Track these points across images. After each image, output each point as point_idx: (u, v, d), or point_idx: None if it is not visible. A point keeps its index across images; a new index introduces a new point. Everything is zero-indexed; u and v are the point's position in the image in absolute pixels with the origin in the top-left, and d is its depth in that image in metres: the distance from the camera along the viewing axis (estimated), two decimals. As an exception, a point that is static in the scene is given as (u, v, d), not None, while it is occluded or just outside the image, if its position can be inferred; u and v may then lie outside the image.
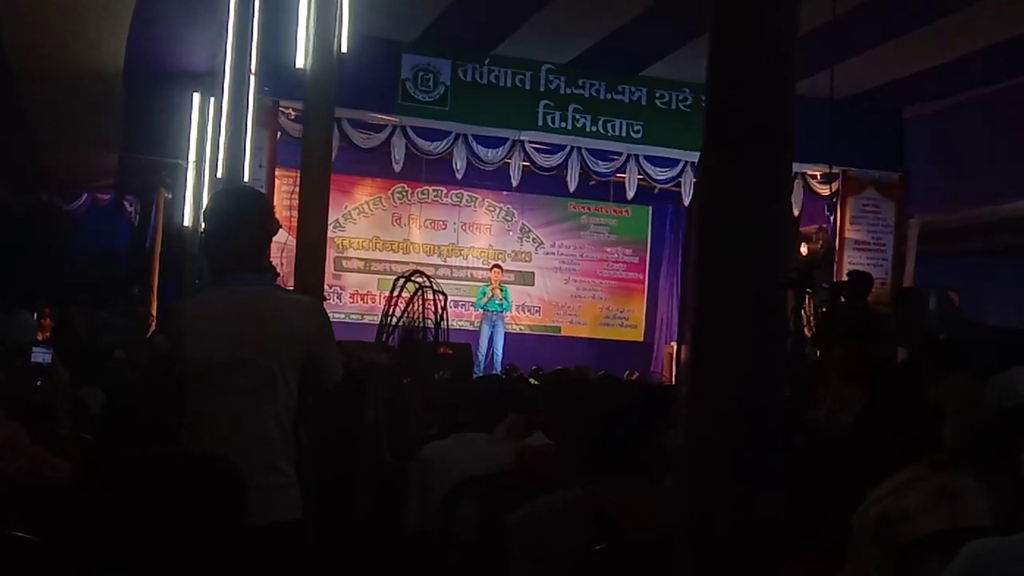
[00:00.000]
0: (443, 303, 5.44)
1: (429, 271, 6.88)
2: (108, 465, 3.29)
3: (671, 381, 12.01)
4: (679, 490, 2.10)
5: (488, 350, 13.24)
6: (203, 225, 3.26)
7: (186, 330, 3.09)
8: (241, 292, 3.10)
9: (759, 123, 2.07)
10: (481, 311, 13.52)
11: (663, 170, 12.45)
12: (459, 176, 12.23)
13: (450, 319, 5.86)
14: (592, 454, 3.00)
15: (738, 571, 1.98)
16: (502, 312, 13.47)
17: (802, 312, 9.18)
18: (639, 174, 12.42)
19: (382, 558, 4.31)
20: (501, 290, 13.46)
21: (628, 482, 2.89)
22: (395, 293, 5.40)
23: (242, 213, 3.16)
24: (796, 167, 11.23)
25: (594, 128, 11.86)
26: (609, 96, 11.86)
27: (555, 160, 12.20)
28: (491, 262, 14.21)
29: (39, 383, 5.46)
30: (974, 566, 2.13)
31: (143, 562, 2.71)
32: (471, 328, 13.49)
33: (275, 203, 10.95)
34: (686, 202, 13.03)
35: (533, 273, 15.04)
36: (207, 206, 3.33)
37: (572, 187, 12.55)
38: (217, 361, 3.01)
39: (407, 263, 12.68)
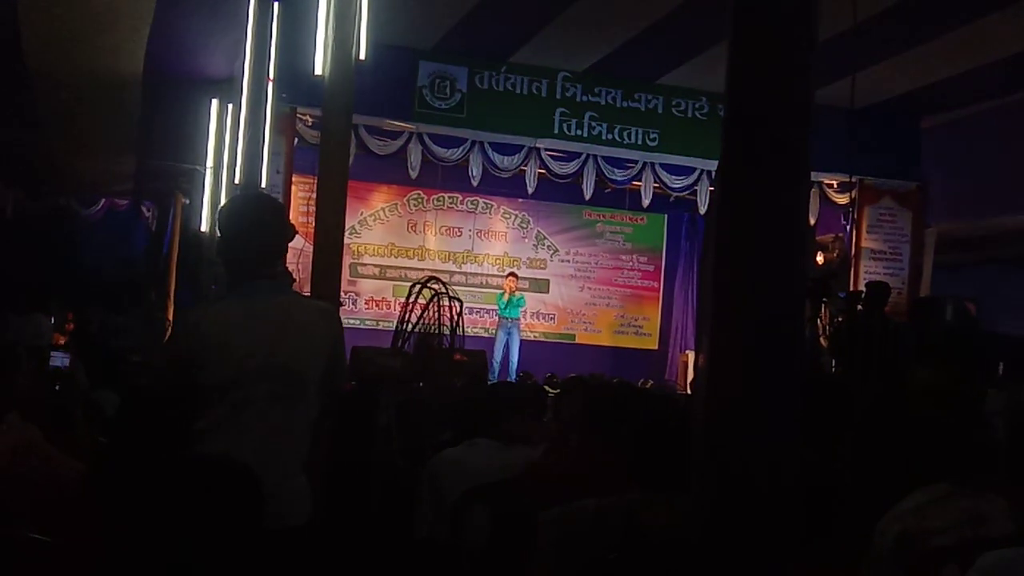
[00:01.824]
0: (458, 310, 5.44)
1: (444, 278, 6.89)
2: (121, 469, 3.30)
3: (686, 390, 11.99)
4: (695, 498, 2.09)
5: (503, 357, 13.24)
6: (218, 230, 3.27)
7: (211, 339, 3.04)
8: (266, 299, 3.10)
9: (778, 132, 2.06)
10: (497, 319, 13.52)
11: (679, 178, 12.44)
12: (475, 183, 12.26)
13: (465, 326, 5.87)
14: (636, 465, 2.99)
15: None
16: (516, 318, 13.45)
17: (818, 321, 9.15)
18: (655, 182, 12.42)
19: (393, 562, 4.31)
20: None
21: (665, 493, 2.88)
22: (411, 300, 5.41)
23: (257, 218, 3.17)
24: (813, 176, 11.14)
25: (610, 136, 11.86)
26: (625, 104, 11.87)
27: (571, 167, 12.21)
28: (507, 269, 14.22)
29: (56, 387, 5.49)
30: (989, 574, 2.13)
31: (157, 565, 2.72)
32: (486, 335, 13.49)
33: (292, 209, 11.00)
34: (702, 211, 13.02)
35: (548, 280, 15.03)
36: (222, 211, 3.33)
37: (588, 195, 12.56)
38: (250, 368, 3.00)
39: (422, 270, 12.73)
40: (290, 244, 3.29)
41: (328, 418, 3.40)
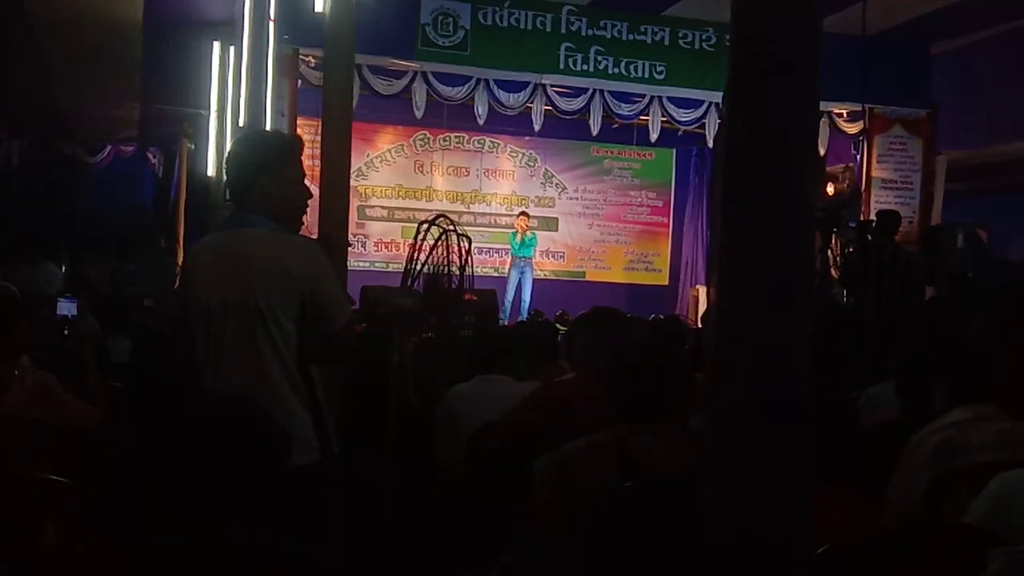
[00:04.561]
0: (468, 247, 5.41)
1: (453, 218, 6.86)
2: (138, 413, 3.32)
3: (696, 324, 12.00)
4: (708, 430, 2.09)
5: (516, 296, 13.26)
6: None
7: (192, 274, 3.16)
8: (237, 234, 3.10)
9: (786, 57, 2.02)
10: (509, 258, 13.52)
11: (687, 112, 12.30)
12: (481, 122, 12.15)
13: (475, 266, 5.83)
14: (617, 397, 3.01)
15: (765, 504, 1.98)
16: (530, 257, 13.46)
17: (828, 252, 9.12)
18: (662, 116, 12.29)
19: (410, 500, 4.35)
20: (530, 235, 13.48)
21: (655, 425, 2.90)
22: (419, 238, 5.38)
23: (235, 153, 3.21)
24: (822, 105, 11.07)
25: (616, 70, 11.71)
26: (631, 37, 11.70)
27: (577, 103, 12.08)
28: (515, 208, 14.19)
29: (66, 332, 5.52)
30: (1002, 497, 2.14)
31: (173, 508, 2.73)
32: (496, 275, 13.50)
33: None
34: (710, 144, 12.91)
35: (557, 219, 15.00)
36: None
37: (595, 131, 12.44)
38: (213, 305, 3.03)
39: (430, 210, 12.61)
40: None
41: (332, 359, 3.37)
